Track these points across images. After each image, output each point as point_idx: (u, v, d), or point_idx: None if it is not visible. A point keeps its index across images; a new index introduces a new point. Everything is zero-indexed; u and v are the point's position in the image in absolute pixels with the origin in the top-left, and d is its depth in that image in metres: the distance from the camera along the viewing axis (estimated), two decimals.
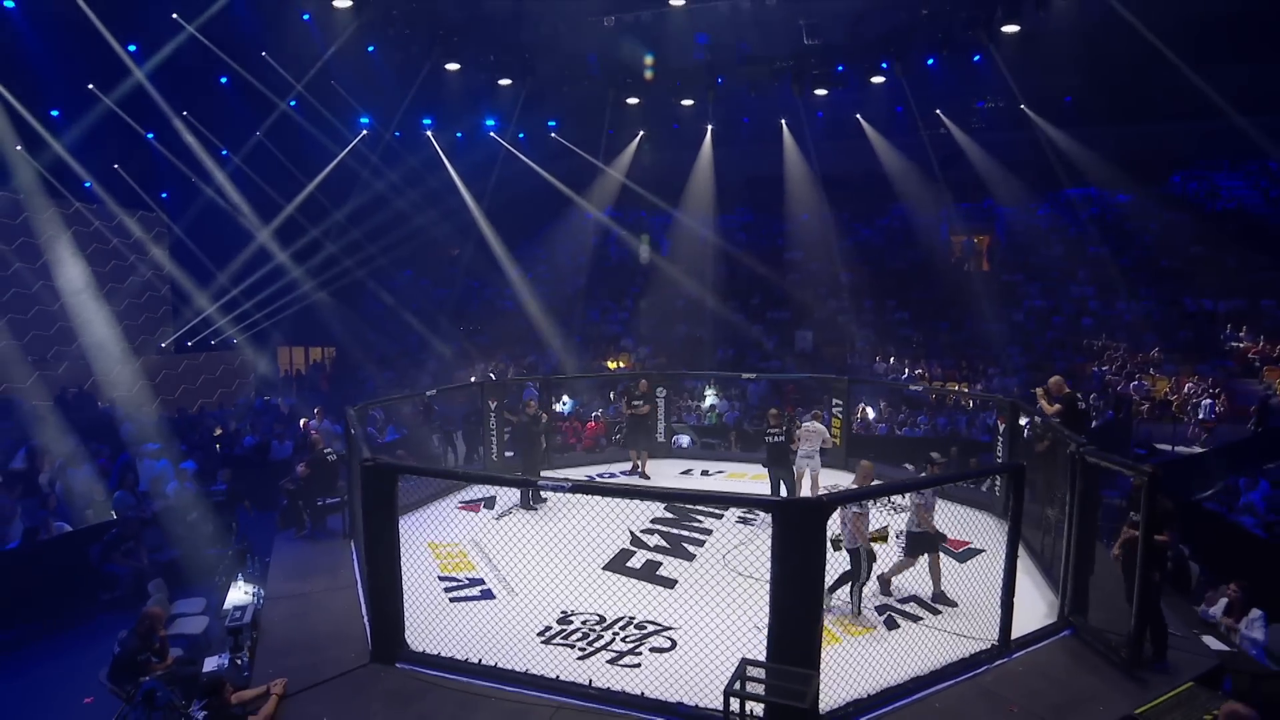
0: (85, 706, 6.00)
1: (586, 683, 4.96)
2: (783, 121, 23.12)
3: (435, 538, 8.06)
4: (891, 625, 6.14)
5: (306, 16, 15.35)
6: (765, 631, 4.66)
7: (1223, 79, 21.10)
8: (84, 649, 6.81)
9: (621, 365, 21.13)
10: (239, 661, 5.47)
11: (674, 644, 5.70)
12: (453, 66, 10.71)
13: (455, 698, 4.92)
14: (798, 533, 4.38)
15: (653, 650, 5.64)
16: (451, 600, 6.64)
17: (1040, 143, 22.26)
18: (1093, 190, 23.31)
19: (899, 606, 6.45)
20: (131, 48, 15.27)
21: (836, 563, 6.19)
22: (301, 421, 13.00)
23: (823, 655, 5.14)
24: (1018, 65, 22.50)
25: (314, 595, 6.60)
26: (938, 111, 22.75)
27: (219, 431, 12.80)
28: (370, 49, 16.72)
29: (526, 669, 5.12)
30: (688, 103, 13.29)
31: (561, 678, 5.02)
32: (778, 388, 17.27)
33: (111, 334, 15.85)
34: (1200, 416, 15.93)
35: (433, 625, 5.75)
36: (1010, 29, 8.76)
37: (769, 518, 4.58)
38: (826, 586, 6.03)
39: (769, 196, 25.17)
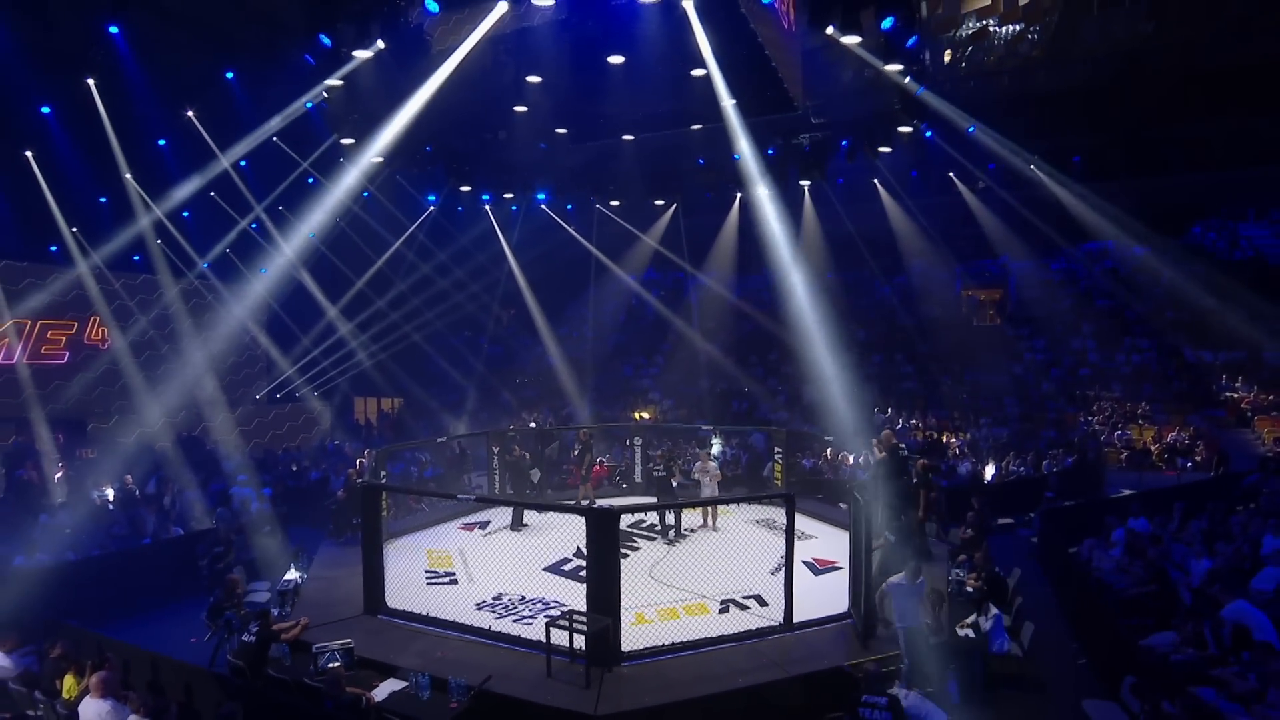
0: (191, 644, 9.46)
1: (487, 628, 7.99)
2: (804, 186, 25.94)
3: (433, 546, 11.37)
4: (724, 611, 8.82)
5: (379, 93, 19.70)
6: (632, 612, 7.56)
7: (1242, 128, 22.56)
8: (192, 612, 10.30)
9: (645, 416, 24.13)
10: (284, 613, 8.80)
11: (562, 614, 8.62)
12: (465, 188, 14.28)
13: (405, 633, 8.06)
14: (600, 530, 7.31)
15: (545, 616, 8.57)
16: (428, 584, 9.82)
17: (1058, 199, 24.22)
18: (1109, 244, 24.74)
19: (740, 600, 9.12)
20: (243, 164, 20.06)
21: None
22: (358, 461, 16.72)
23: (659, 626, 7.99)
24: (1030, 128, 24.69)
25: (338, 578, 9.92)
26: (951, 175, 25.03)
27: (294, 468, 16.75)
28: (428, 149, 20.99)
29: (454, 620, 8.20)
30: (659, 202, 16.44)
31: (474, 625, 8.07)
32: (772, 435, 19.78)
33: (217, 389, 20.39)
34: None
35: (410, 597, 8.91)
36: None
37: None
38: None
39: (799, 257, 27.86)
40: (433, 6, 7.66)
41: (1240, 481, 15.09)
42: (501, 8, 7.72)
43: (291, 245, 21.72)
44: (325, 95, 10.02)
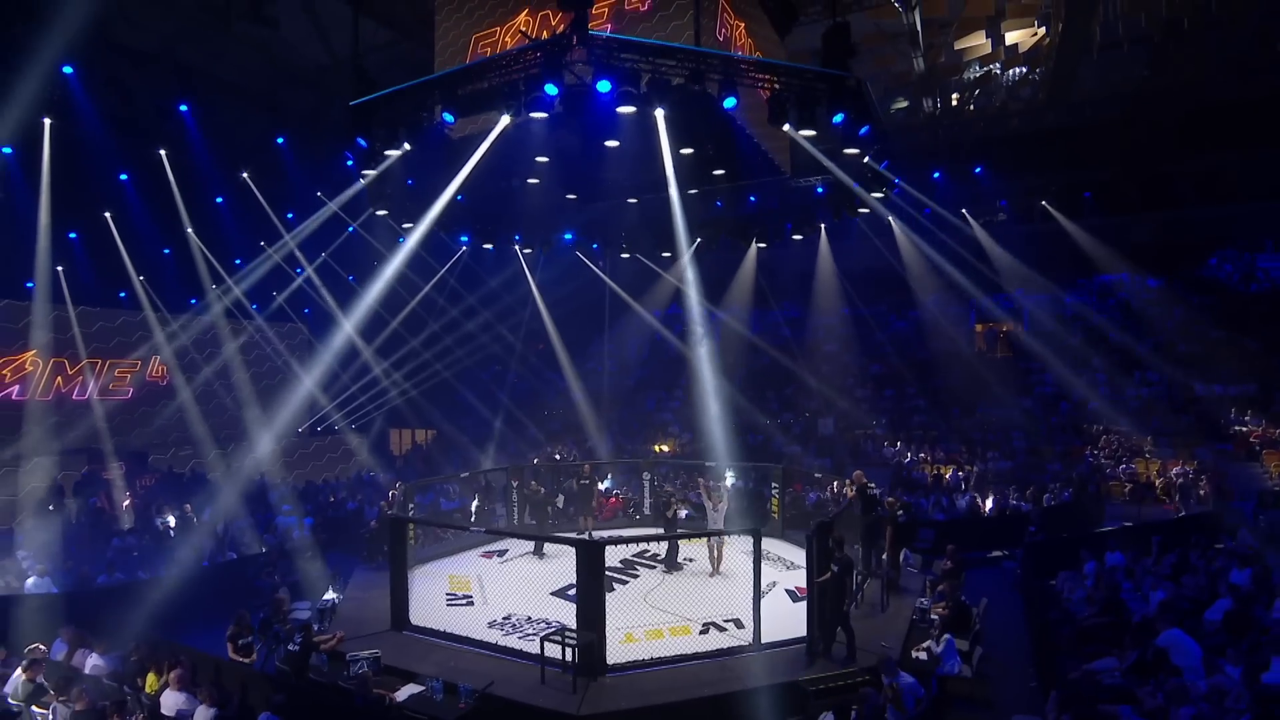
0: None
1: (495, 642, 9.38)
2: (821, 225, 27.21)
3: (454, 572, 12.82)
4: (704, 631, 10.06)
5: (410, 181, 21.73)
6: (622, 632, 8.90)
7: (1258, 160, 23.25)
8: None
9: (665, 449, 25.42)
10: (323, 628, 10.31)
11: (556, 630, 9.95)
12: (487, 245, 15.99)
13: (425, 646, 9.50)
14: (589, 558, 8.68)
15: (545, 633, 9.92)
16: (447, 605, 11.25)
17: (1070, 234, 25.17)
18: (1124, 276, 25.38)
19: (721, 622, 10.34)
20: (290, 215, 22.22)
21: None
22: (389, 492, 18.37)
23: (646, 644, 9.28)
24: (1041, 165, 25.69)
25: (370, 598, 11.41)
26: (964, 211, 26.08)
27: (332, 499, 18.48)
28: (459, 198, 22.94)
29: (467, 635, 9.60)
30: (666, 255, 17.91)
31: (484, 640, 9.46)
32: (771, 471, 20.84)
33: (264, 423, 22.36)
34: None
35: (431, 615, 10.35)
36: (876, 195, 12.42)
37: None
38: None
39: (815, 292, 29.10)
40: (449, 118, 9.30)
41: (1227, 517, 15.72)
42: (504, 120, 9.36)
43: (335, 292, 23.85)
44: (363, 179, 11.88)
